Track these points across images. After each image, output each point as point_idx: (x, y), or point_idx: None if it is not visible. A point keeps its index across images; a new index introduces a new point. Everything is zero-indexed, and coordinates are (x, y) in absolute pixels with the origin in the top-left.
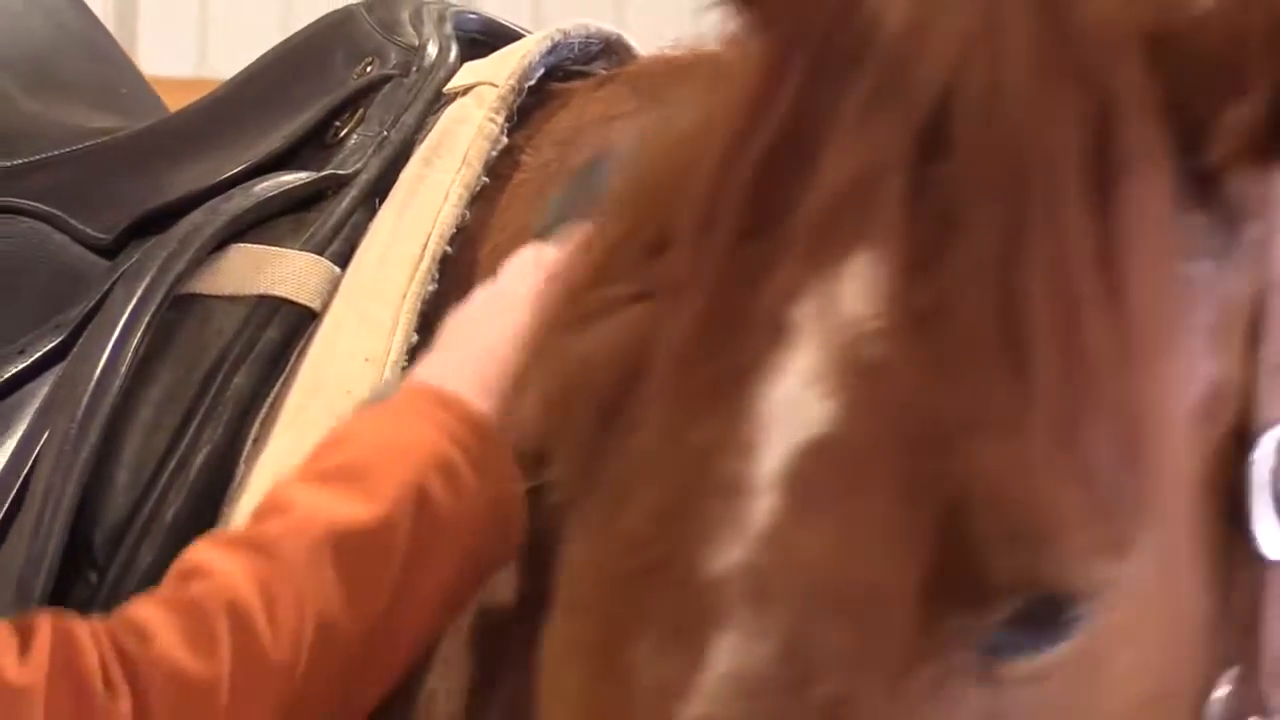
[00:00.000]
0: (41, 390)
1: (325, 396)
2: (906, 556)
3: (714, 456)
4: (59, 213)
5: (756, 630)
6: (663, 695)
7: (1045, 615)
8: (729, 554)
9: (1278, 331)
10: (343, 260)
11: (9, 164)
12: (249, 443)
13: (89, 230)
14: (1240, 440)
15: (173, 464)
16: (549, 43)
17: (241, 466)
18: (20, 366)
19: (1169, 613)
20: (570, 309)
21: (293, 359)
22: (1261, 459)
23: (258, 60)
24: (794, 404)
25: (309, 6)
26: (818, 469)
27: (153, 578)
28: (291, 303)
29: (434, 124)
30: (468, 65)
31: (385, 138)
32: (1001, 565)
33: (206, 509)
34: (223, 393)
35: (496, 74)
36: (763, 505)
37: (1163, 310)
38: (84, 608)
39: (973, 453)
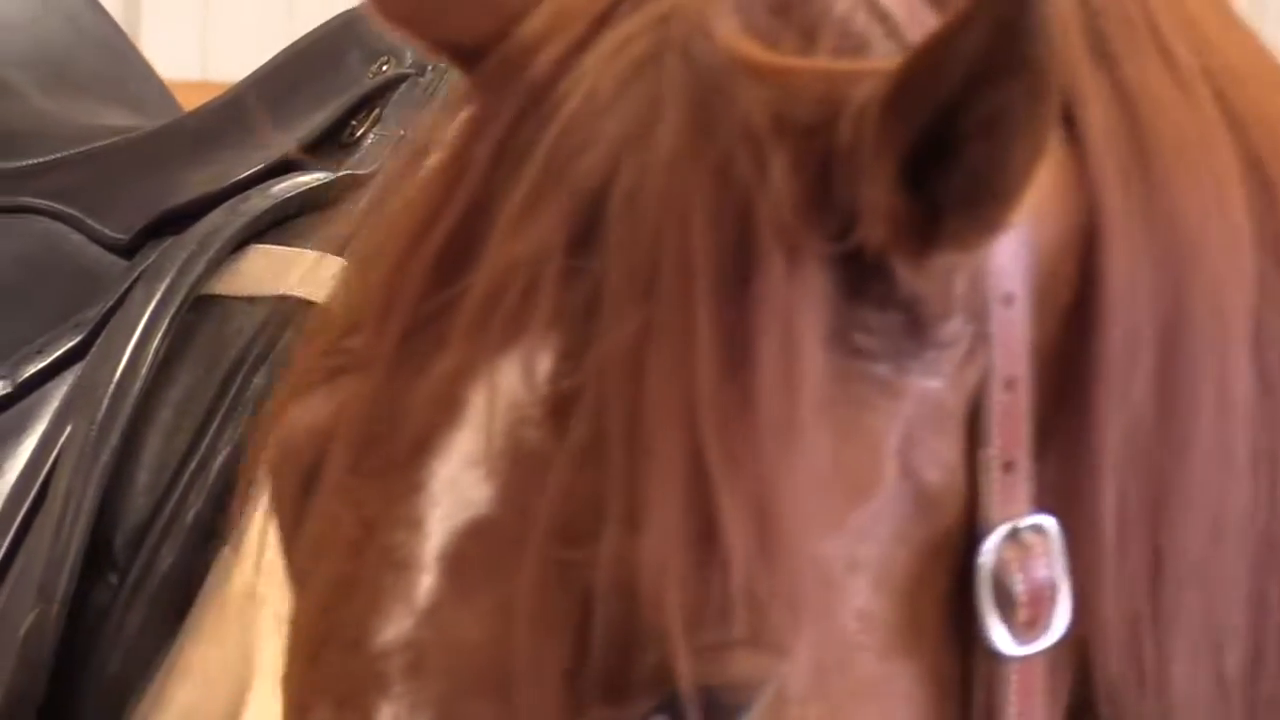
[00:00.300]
0: (60, 390)
1: None
2: (553, 643)
3: (385, 531)
4: (76, 212)
5: (414, 704)
6: None
7: (708, 713)
8: (393, 627)
9: (1003, 430)
10: None
11: (26, 164)
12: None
13: (106, 230)
14: (968, 539)
15: (193, 465)
16: None
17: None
18: (39, 366)
19: (891, 710)
20: (294, 376)
21: None
22: (986, 558)
23: (272, 60)
24: (456, 484)
25: (312, 9)
26: (474, 550)
27: (173, 580)
28: (311, 303)
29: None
30: None
31: (403, 136)
32: (637, 659)
33: (226, 511)
34: (242, 393)
35: None
36: (425, 582)
37: (803, 408)
38: (104, 610)
39: (607, 545)
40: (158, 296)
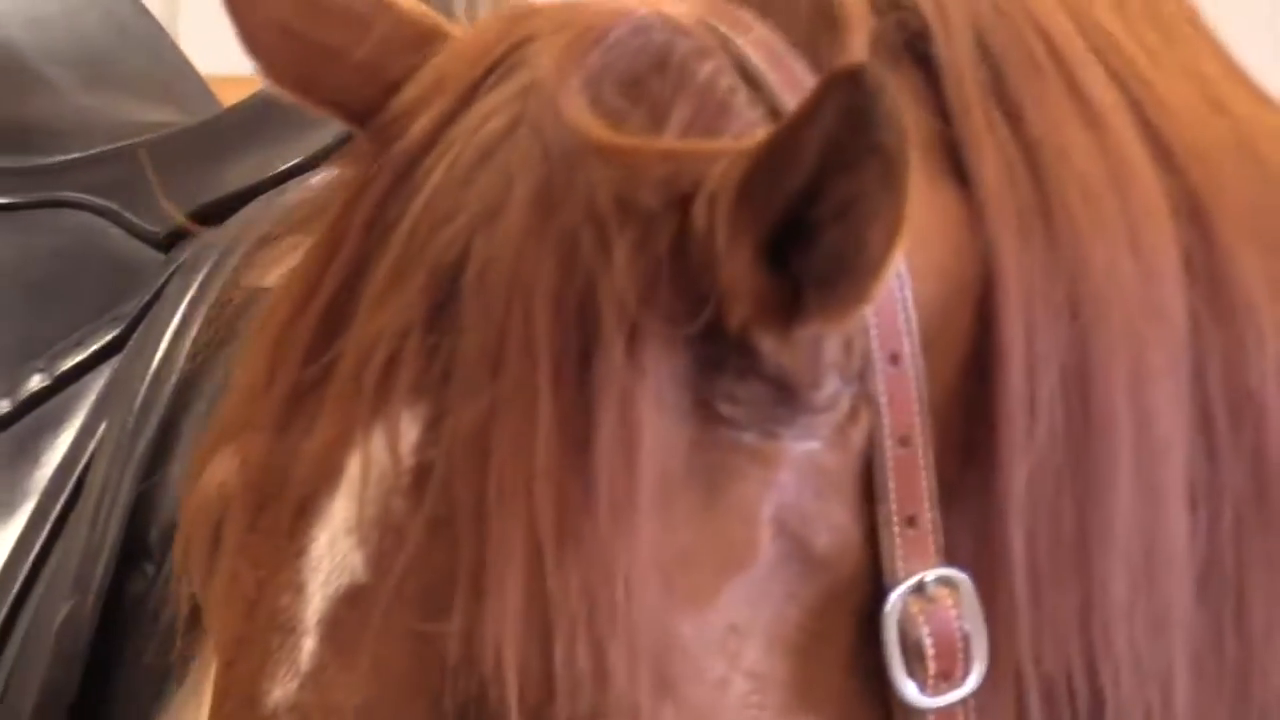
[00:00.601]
0: (98, 383)
1: None
2: (418, 713)
3: (274, 592)
4: (114, 206)
5: None
6: None
7: None
8: (280, 689)
9: (901, 487)
10: None
11: (65, 159)
12: None
13: (144, 224)
14: (873, 594)
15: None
16: None
17: None
18: (77, 359)
19: None
20: (213, 429)
21: None
22: (890, 613)
23: None
24: (334, 550)
25: None
26: (349, 616)
27: None
28: None
29: None
30: None
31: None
32: None
33: None
34: None
35: None
36: (307, 645)
37: (643, 489)
38: (141, 599)
39: (457, 619)
40: (193, 289)
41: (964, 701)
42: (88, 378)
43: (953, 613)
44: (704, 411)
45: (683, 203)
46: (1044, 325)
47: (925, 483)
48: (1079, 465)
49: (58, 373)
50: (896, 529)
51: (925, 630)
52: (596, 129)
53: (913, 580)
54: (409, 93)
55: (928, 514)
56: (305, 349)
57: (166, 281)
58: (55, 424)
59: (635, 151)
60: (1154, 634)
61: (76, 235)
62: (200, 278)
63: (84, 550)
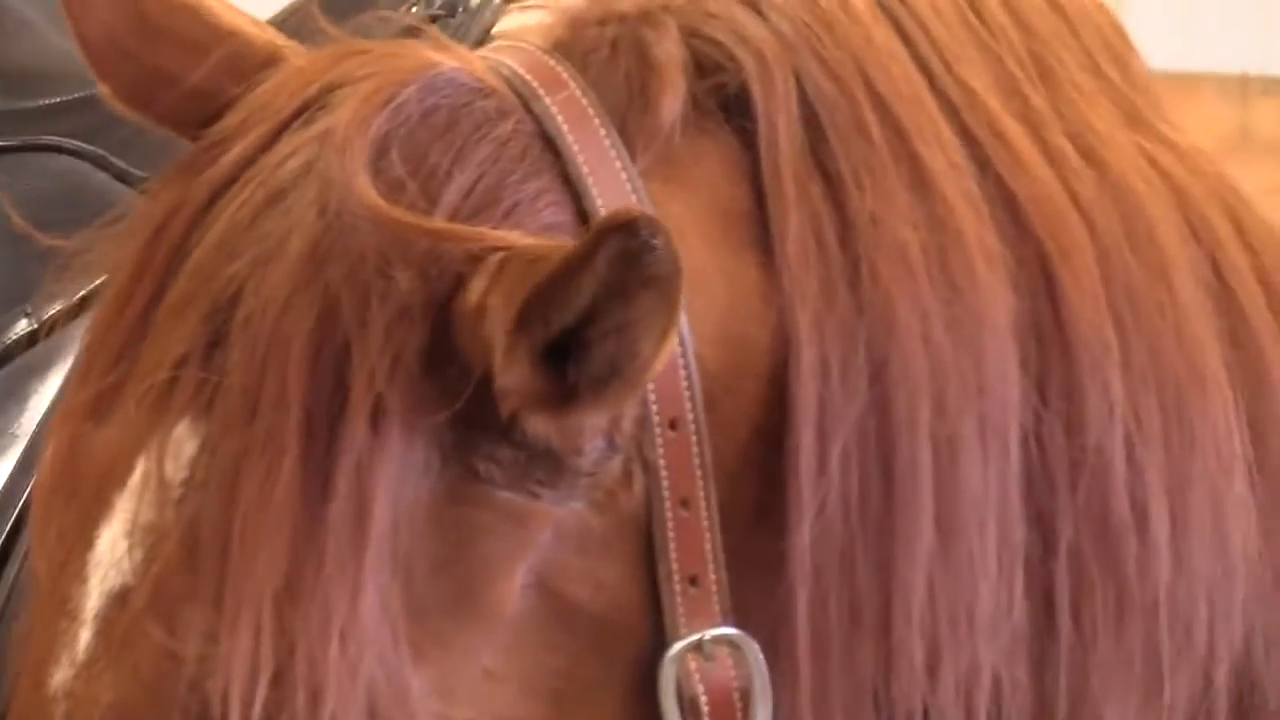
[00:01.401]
0: (84, 326)
1: None
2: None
3: (65, 580)
4: (100, 151)
5: None
6: None
7: None
8: (60, 674)
9: (681, 548)
10: None
11: (49, 102)
12: None
13: (130, 169)
14: (655, 649)
15: None
16: None
17: None
18: (64, 304)
19: None
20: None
21: None
22: (667, 669)
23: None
24: (114, 549)
25: None
26: (117, 615)
27: None
28: None
29: None
30: (513, 7)
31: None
32: None
33: None
34: None
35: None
36: (83, 637)
37: (371, 546)
38: None
39: (192, 646)
40: None
41: None
42: (75, 322)
43: (731, 672)
44: (458, 470)
45: (446, 288)
46: (841, 390)
47: (709, 544)
48: (877, 531)
49: (45, 317)
50: (678, 588)
51: (701, 688)
52: (371, 196)
53: (692, 638)
54: (228, 120)
55: (711, 575)
56: (114, 355)
57: None
58: (43, 368)
59: (402, 226)
60: (960, 700)
61: (62, 180)
62: None
63: None
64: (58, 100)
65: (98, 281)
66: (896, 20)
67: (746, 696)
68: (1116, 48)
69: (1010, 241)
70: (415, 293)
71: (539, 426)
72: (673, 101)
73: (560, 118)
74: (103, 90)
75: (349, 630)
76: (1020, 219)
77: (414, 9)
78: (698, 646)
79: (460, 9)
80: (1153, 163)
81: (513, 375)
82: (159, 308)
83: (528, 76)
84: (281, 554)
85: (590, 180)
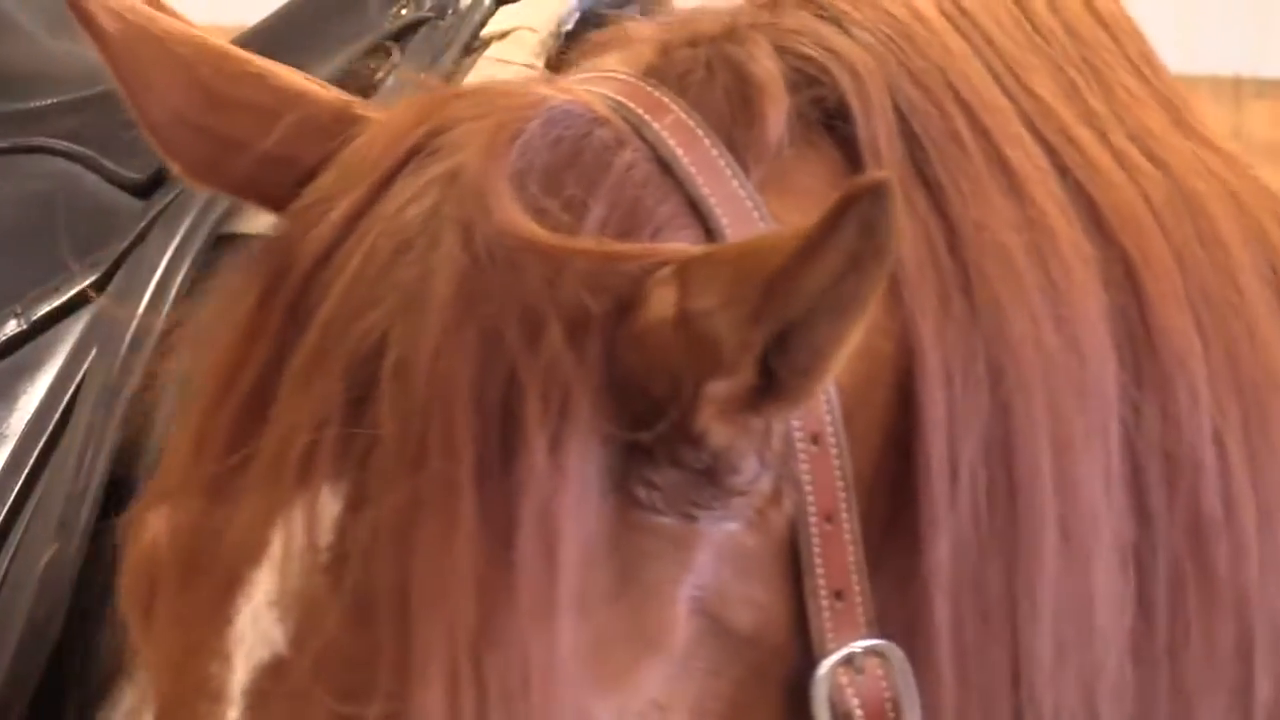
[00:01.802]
0: (76, 327)
1: None
2: None
3: (203, 659)
4: (90, 153)
5: None
6: None
7: None
8: None
9: (826, 562)
10: None
11: (38, 104)
12: None
13: (121, 170)
14: (804, 665)
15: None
16: None
17: None
18: (55, 304)
19: None
20: (153, 485)
21: None
22: (820, 684)
23: (290, 2)
24: (258, 622)
25: None
26: (271, 689)
27: None
28: None
29: (470, 68)
30: (504, 9)
31: (422, 80)
32: None
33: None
34: None
35: (534, 18)
36: (231, 715)
37: (563, 586)
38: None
39: (376, 707)
40: (180, 234)
41: None
42: (65, 323)
43: (882, 683)
44: (621, 497)
45: (615, 309)
46: (964, 398)
47: (852, 556)
48: (1004, 535)
49: (34, 317)
50: (825, 602)
51: (855, 701)
52: (527, 226)
53: (842, 652)
54: (325, 178)
55: (855, 587)
56: (228, 435)
57: (149, 227)
58: (34, 367)
59: (566, 252)
60: (1084, 697)
61: (53, 181)
62: (186, 223)
63: (68, 492)
64: (49, 102)
65: (89, 280)
66: (963, 29)
67: (897, 706)
68: (1149, 54)
69: (1095, 243)
70: (585, 318)
71: (723, 434)
72: (778, 115)
73: (672, 142)
74: (174, 169)
75: (548, 673)
76: (1100, 222)
77: (404, 10)
78: (848, 660)
79: (450, 10)
80: (1205, 165)
81: (740, 376)
82: (282, 373)
83: (631, 104)
84: (470, 602)
85: (712, 201)
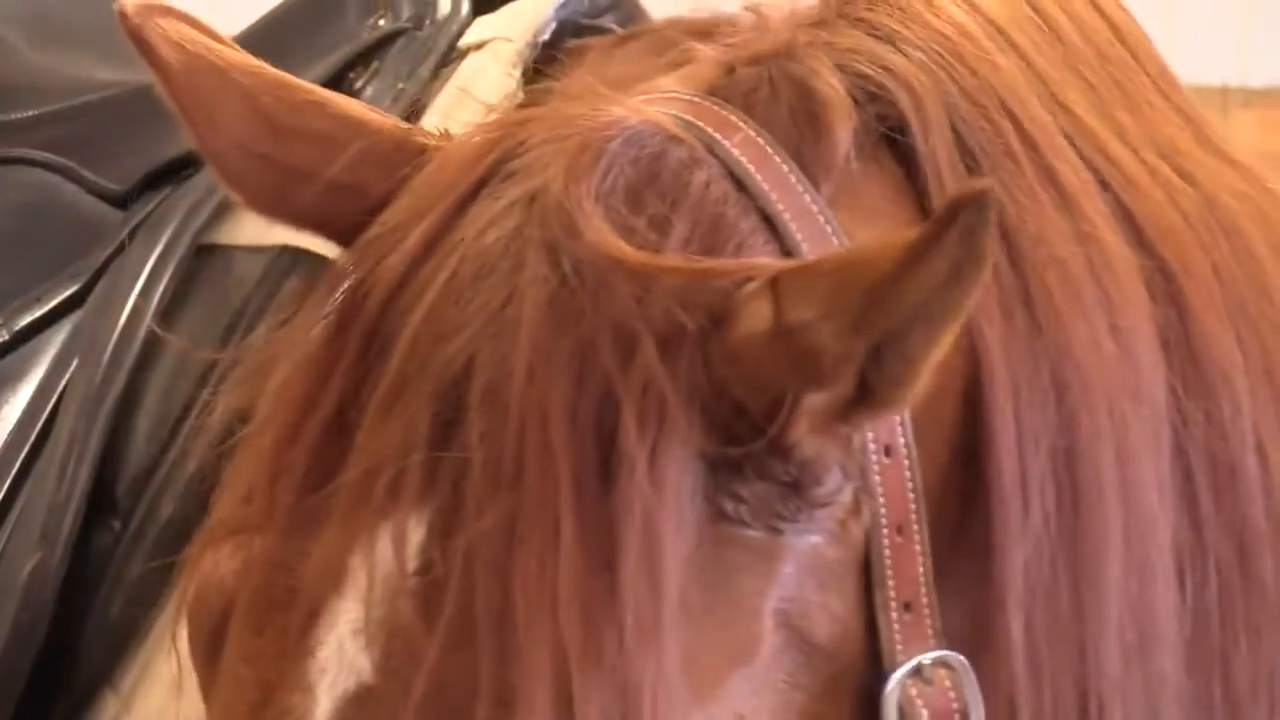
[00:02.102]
0: (58, 338)
1: None
2: None
3: (282, 693)
4: (71, 164)
5: None
6: None
7: None
8: None
9: (897, 574)
10: None
11: (18, 116)
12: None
13: (101, 181)
14: (873, 676)
15: (195, 413)
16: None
17: None
18: (36, 315)
19: None
20: (212, 523)
21: None
22: (890, 696)
23: (270, 12)
24: (342, 652)
25: None
26: (357, 717)
27: (174, 527)
28: (311, 253)
29: (448, 78)
30: (480, 20)
31: (401, 90)
32: None
33: (226, 461)
34: (244, 343)
35: (511, 29)
36: None
37: (666, 601)
38: (106, 555)
39: None
40: (161, 244)
41: None
42: (46, 333)
43: (950, 694)
44: (712, 511)
45: (707, 324)
46: (1031, 410)
47: (921, 568)
48: (1072, 546)
49: (17, 328)
50: (895, 614)
51: (925, 713)
52: (616, 245)
53: (911, 664)
54: (396, 207)
55: (924, 599)
56: (306, 467)
57: (130, 237)
58: (16, 378)
59: (659, 269)
60: (1149, 708)
61: (34, 192)
62: (168, 233)
63: (50, 502)
64: (29, 114)
65: (70, 290)
66: (1004, 48)
67: (965, 717)
68: (1167, 71)
69: (1138, 255)
70: (678, 334)
71: (812, 446)
72: (845, 131)
73: (744, 159)
74: (237, 199)
75: (658, 691)
76: (1141, 235)
77: (381, 21)
78: (917, 671)
79: (428, 21)
80: (1231, 181)
81: (839, 386)
82: (361, 403)
83: (700, 123)
84: (574, 622)
85: (787, 216)
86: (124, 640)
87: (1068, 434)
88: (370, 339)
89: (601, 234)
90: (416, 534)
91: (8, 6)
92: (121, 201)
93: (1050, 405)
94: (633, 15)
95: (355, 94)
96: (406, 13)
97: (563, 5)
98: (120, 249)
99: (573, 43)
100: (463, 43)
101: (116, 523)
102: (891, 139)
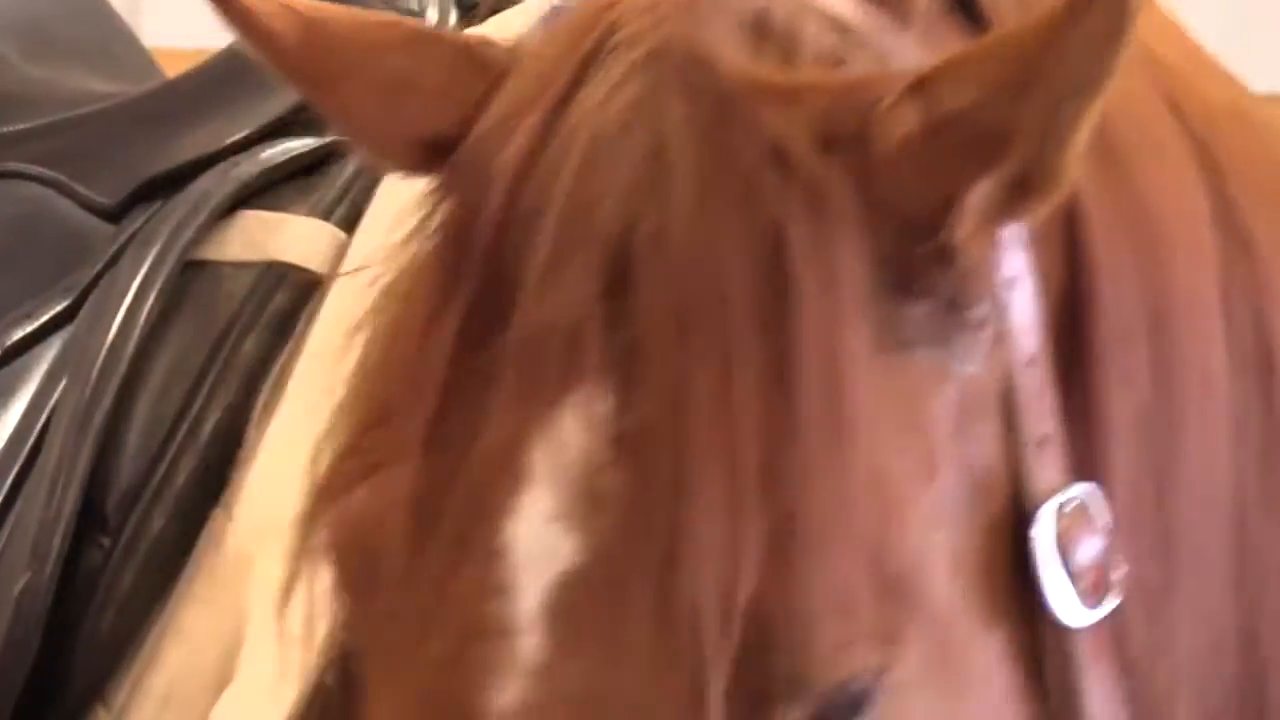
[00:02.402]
0: (49, 353)
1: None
2: (673, 676)
3: (470, 604)
4: (62, 177)
5: None
6: None
7: (833, 713)
8: (503, 696)
9: (1031, 408)
10: (349, 225)
11: (11, 129)
12: (258, 409)
13: (93, 195)
14: (1019, 515)
15: (184, 429)
16: (549, 7)
17: (251, 433)
18: (27, 330)
19: (982, 690)
20: (324, 482)
21: (301, 325)
22: (1041, 532)
23: None
24: (539, 543)
25: None
26: (574, 603)
27: (165, 543)
28: (300, 268)
29: None
30: (467, 31)
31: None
32: (757, 676)
33: (216, 476)
34: (232, 359)
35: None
36: (527, 644)
37: (854, 419)
38: (96, 572)
39: (707, 575)
40: (149, 260)
41: (1105, 619)
42: (38, 349)
43: (1095, 526)
44: (884, 332)
45: (869, 131)
46: (1127, 261)
47: (1050, 403)
48: (1163, 400)
49: (7, 344)
50: (1033, 450)
51: (1078, 547)
52: (760, 71)
53: (1056, 499)
54: (500, 104)
55: (1056, 432)
56: (448, 360)
57: (120, 252)
58: (7, 395)
59: (804, 87)
60: (1208, 574)
61: (25, 206)
62: (156, 249)
63: (41, 520)
64: (23, 127)
65: (61, 306)
66: None
67: (1110, 552)
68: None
69: (1180, 137)
70: (834, 147)
71: (973, 251)
72: None
73: (838, 8)
74: (362, 151)
75: (838, 512)
76: (1185, 119)
77: None
78: (1058, 507)
79: None
80: None
81: (1001, 169)
82: (507, 288)
83: None
84: (760, 450)
85: (893, 53)
86: (115, 656)
87: (1157, 288)
88: (504, 226)
89: (738, 63)
90: (602, 402)
91: (1, 20)
92: (113, 215)
93: (1141, 257)
94: None
95: None
96: None
97: (550, 16)
98: (111, 264)
99: None
100: None
101: (106, 539)
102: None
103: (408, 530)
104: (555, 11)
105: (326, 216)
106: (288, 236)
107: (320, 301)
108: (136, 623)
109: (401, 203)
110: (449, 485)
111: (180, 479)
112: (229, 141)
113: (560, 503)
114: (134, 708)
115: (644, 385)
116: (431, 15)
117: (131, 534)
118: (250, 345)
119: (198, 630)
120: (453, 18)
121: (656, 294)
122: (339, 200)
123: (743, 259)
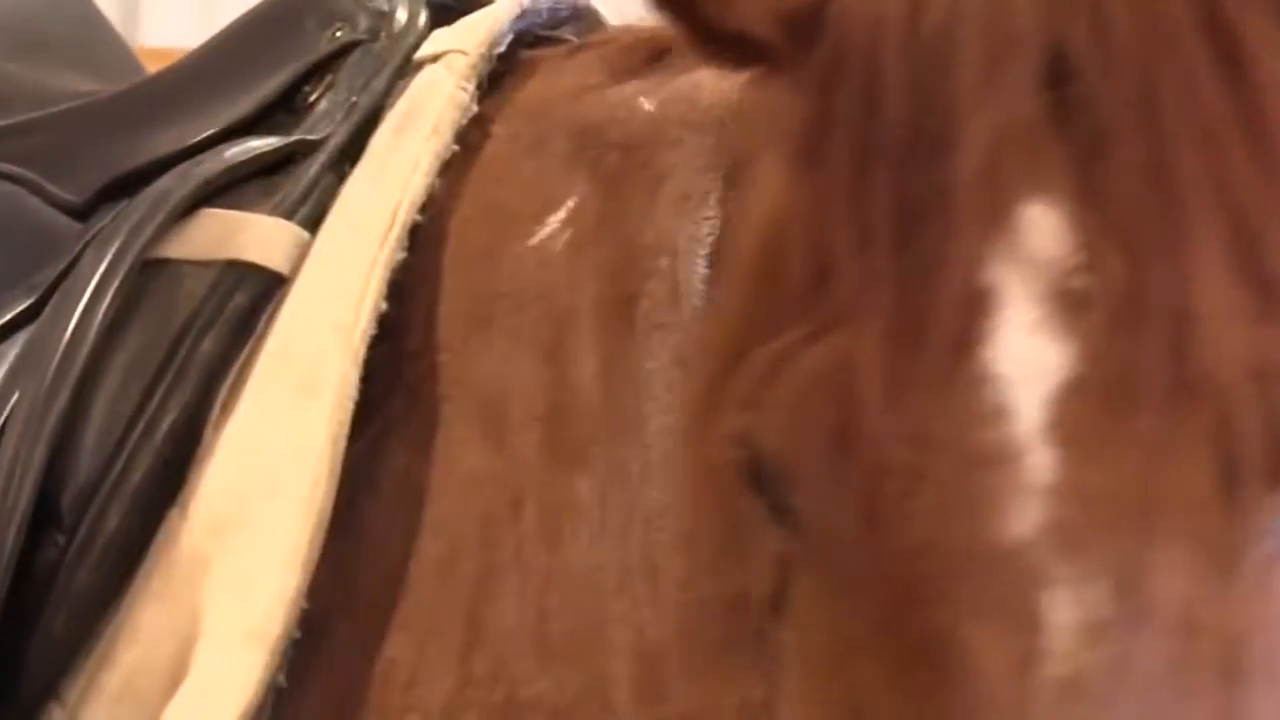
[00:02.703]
0: (11, 351)
1: (293, 363)
2: (1199, 460)
3: (964, 437)
4: (33, 175)
5: (1085, 577)
6: (1010, 669)
7: None
8: (1024, 519)
9: None
10: (312, 225)
11: None
12: (216, 408)
13: (62, 193)
14: None
15: (140, 428)
16: (518, 8)
17: (209, 432)
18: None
19: None
20: (745, 370)
21: (261, 325)
22: None
23: (231, 24)
24: (1026, 360)
25: None
26: (1080, 410)
27: (120, 541)
28: (260, 268)
29: (403, 90)
30: (437, 32)
31: (354, 103)
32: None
33: (173, 474)
34: (191, 358)
35: (466, 41)
36: (1039, 461)
37: None
38: (51, 570)
39: (1222, 337)
40: (108, 259)
41: None
42: (3, 346)
43: None
44: None
45: None
46: None
47: None
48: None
49: None
50: None
51: None
52: None
53: None
54: None
55: None
56: (892, 196)
57: (82, 251)
58: None
59: None
60: None
61: None
62: (114, 247)
63: None
64: (0, 124)
65: (26, 304)
66: None
67: None
68: None
69: None
70: None
71: None
72: None
73: None
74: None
75: None
76: None
77: (339, 33)
78: None
79: (384, 34)
80: None
81: None
82: (935, 120)
83: None
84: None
85: None
86: (69, 653)
87: None
88: (912, 57)
89: None
90: (1069, 197)
91: None
92: (82, 213)
93: None
94: (593, 27)
95: (309, 106)
96: (364, 25)
97: (519, 17)
98: (74, 262)
99: (526, 54)
100: (419, 55)
101: (61, 537)
102: None
103: (889, 371)
104: (524, 14)
105: (289, 216)
106: (249, 235)
107: (281, 301)
108: (91, 620)
109: (365, 207)
110: (922, 320)
111: (136, 477)
112: (194, 140)
113: (1039, 316)
114: (88, 704)
115: (1118, 164)
116: (401, 16)
117: (87, 532)
118: (209, 344)
119: (152, 628)
120: (422, 20)
121: (1113, 78)
122: (302, 200)
123: (1190, 32)
